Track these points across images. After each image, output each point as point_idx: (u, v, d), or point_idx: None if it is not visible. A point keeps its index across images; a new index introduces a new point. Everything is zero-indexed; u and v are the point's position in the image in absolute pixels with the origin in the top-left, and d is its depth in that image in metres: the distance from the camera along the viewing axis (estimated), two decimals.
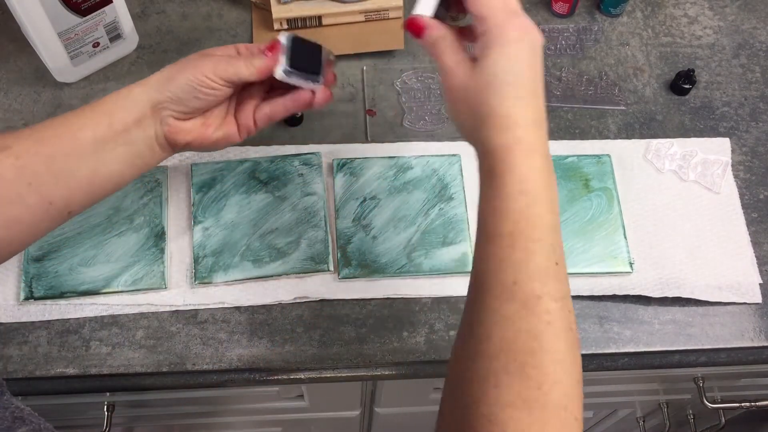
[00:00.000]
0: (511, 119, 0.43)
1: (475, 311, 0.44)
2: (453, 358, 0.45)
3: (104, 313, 0.62)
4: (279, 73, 0.53)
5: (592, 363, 0.64)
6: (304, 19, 0.75)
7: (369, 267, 0.64)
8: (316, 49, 0.56)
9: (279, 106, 0.56)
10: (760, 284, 0.66)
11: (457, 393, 0.43)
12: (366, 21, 0.77)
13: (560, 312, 0.42)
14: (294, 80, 0.54)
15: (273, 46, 0.54)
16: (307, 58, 0.55)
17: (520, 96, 0.43)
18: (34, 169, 0.48)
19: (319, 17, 0.76)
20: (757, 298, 0.65)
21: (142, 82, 0.53)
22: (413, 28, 0.48)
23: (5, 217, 0.48)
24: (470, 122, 0.45)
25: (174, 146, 0.54)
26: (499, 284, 0.42)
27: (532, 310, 0.42)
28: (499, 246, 0.43)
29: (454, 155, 0.70)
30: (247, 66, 0.53)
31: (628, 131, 0.73)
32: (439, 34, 0.47)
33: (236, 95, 0.56)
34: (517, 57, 0.44)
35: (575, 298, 0.64)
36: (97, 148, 0.51)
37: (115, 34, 0.72)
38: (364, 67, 0.75)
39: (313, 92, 0.56)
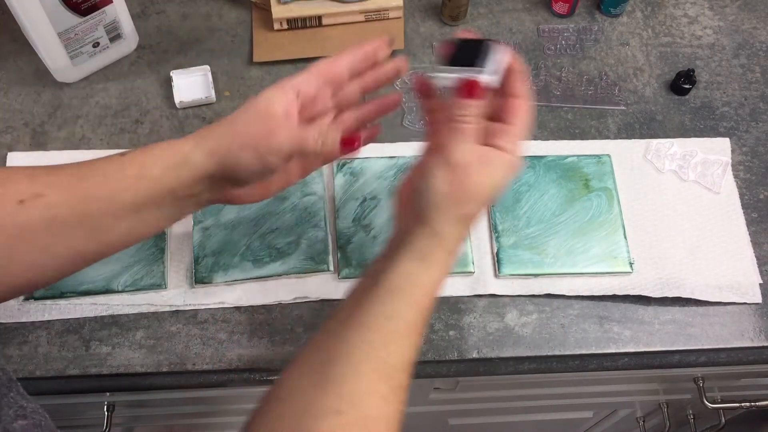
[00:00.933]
0: (449, 211, 0.47)
1: (344, 377, 0.43)
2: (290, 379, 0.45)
3: (104, 313, 0.62)
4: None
5: (592, 363, 0.64)
6: (304, 19, 0.75)
7: None
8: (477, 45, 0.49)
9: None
10: (760, 284, 0.66)
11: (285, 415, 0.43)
12: (366, 21, 0.77)
13: (403, 394, 0.45)
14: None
15: (350, 141, 0.52)
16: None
17: (467, 223, 0.48)
18: (66, 223, 0.45)
19: (319, 17, 0.76)
20: (757, 298, 0.65)
21: (197, 143, 0.47)
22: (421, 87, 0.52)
23: (30, 263, 0.46)
24: (409, 220, 0.48)
25: (221, 202, 0.52)
26: (373, 355, 0.43)
27: (397, 397, 0.44)
28: (383, 300, 0.45)
29: None
30: (317, 147, 0.50)
31: (628, 131, 0.73)
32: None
33: None
34: (493, 191, 0.47)
35: (575, 298, 0.65)
36: (139, 210, 0.47)
37: (115, 34, 0.72)
38: None
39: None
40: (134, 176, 0.47)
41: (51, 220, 0.45)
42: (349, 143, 0.52)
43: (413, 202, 0.48)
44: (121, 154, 0.48)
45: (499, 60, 0.48)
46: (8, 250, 0.44)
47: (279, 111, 0.47)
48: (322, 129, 0.50)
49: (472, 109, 0.47)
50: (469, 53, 0.48)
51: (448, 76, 0.48)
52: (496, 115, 0.48)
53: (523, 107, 0.48)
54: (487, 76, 0.47)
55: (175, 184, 0.47)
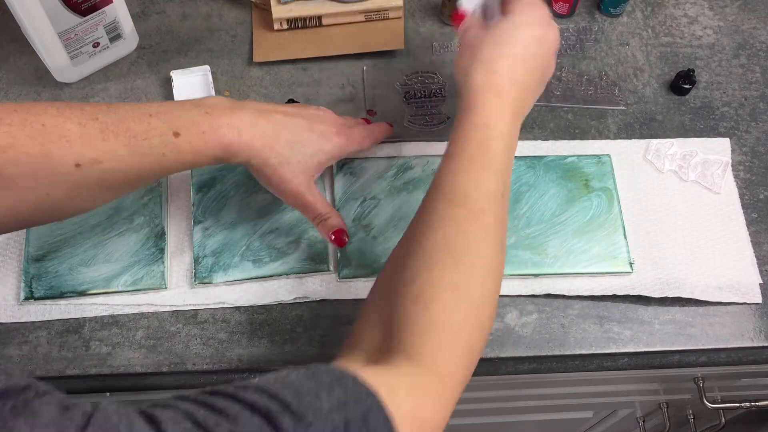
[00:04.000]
0: (498, 69, 0.52)
1: (422, 215, 0.50)
2: (390, 258, 0.52)
3: (104, 313, 0.62)
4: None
5: (592, 363, 0.64)
6: (304, 19, 0.75)
7: (369, 267, 0.64)
8: None
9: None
10: (760, 284, 0.66)
11: (392, 277, 0.49)
12: (366, 21, 0.77)
13: (497, 229, 0.49)
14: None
15: (339, 238, 0.60)
16: None
17: (514, 58, 0.53)
18: (118, 184, 0.51)
19: (319, 17, 0.76)
20: (757, 298, 0.65)
21: (237, 153, 0.54)
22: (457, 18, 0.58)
23: (81, 207, 0.53)
24: (466, 62, 0.54)
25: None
26: (452, 192, 0.49)
27: (478, 219, 0.48)
28: (459, 163, 0.50)
29: None
30: (315, 222, 0.59)
31: (628, 131, 0.73)
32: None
33: None
34: (530, 36, 0.54)
35: (575, 298, 0.65)
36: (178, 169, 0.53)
37: (115, 34, 0.72)
38: (365, 67, 0.75)
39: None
40: (189, 162, 0.52)
41: (105, 180, 0.50)
42: (338, 240, 0.61)
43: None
44: (176, 133, 0.51)
45: None
46: (64, 201, 0.49)
47: (318, 163, 0.59)
48: (327, 211, 0.60)
49: None
50: None
51: None
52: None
53: None
54: None
55: (218, 160, 0.54)
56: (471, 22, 0.56)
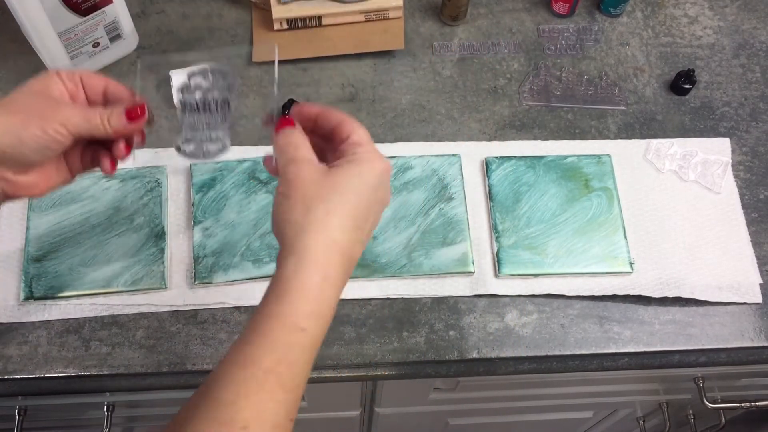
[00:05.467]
0: (334, 236, 0.43)
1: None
2: None
3: (104, 313, 0.62)
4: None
5: (592, 363, 0.64)
6: (303, 19, 0.75)
7: (369, 267, 0.64)
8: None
9: (105, 156, 0.50)
10: (760, 284, 0.66)
11: None
12: (366, 21, 0.77)
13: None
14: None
15: (134, 114, 0.48)
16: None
17: (351, 218, 0.44)
18: None
19: (319, 17, 0.76)
20: (757, 298, 0.65)
21: None
22: (285, 124, 0.48)
23: None
24: (299, 215, 0.43)
25: (7, 199, 0.48)
26: (219, 415, 0.39)
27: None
28: (250, 374, 0.40)
29: (454, 155, 0.70)
30: (104, 126, 0.47)
31: (628, 131, 0.73)
32: (299, 130, 0.47)
33: None
34: (368, 186, 0.45)
35: (575, 298, 0.65)
36: None
37: (115, 34, 0.72)
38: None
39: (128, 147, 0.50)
40: None
41: None
42: (134, 116, 0.48)
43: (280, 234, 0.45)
44: None
45: None
46: None
47: (56, 94, 0.47)
48: (107, 109, 0.48)
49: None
50: None
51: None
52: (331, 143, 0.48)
53: (348, 122, 0.47)
54: None
55: None
56: (302, 156, 0.45)
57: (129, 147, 0.50)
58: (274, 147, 0.47)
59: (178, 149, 0.51)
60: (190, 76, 0.51)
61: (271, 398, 0.40)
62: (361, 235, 0.45)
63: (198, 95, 0.51)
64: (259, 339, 0.41)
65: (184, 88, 0.51)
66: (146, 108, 0.48)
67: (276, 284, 0.42)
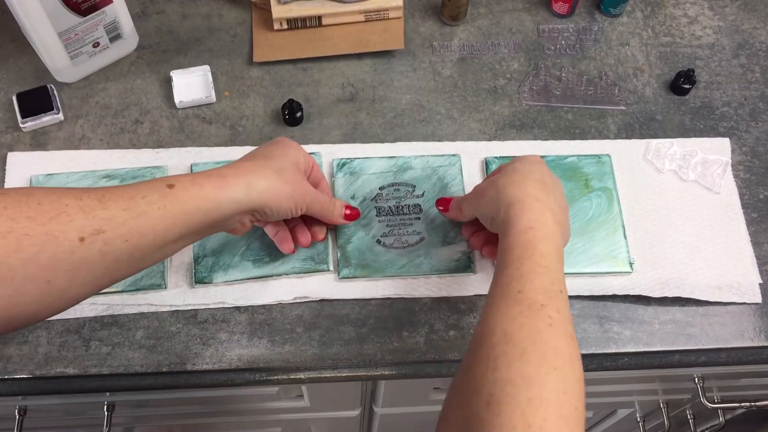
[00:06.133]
0: (527, 182, 0.55)
1: (482, 320, 0.48)
2: (461, 367, 0.48)
3: (104, 313, 0.62)
4: None
5: (592, 363, 0.64)
6: (303, 19, 0.75)
7: (369, 267, 0.64)
8: None
9: (303, 233, 0.63)
10: (760, 284, 0.66)
11: (461, 386, 0.45)
12: (366, 21, 0.77)
13: (562, 321, 0.47)
14: None
15: (352, 216, 0.64)
16: None
17: (539, 175, 0.57)
18: (119, 257, 0.47)
19: (319, 17, 0.76)
20: (757, 298, 0.65)
21: (249, 184, 0.52)
22: (442, 203, 0.65)
23: (81, 291, 0.47)
24: (493, 190, 0.56)
25: (234, 232, 0.57)
26: (506, 295, 0.48)
27: (536, 312, 0.46)
28: (509, 267, 0.50)
29: (454, 155, 0.70)
30: (334, 216, 0.62)
31: (628, 131, 0.73)
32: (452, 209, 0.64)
33: None
34: (535, 166, 0.58)
35: (575, 298, 0.65)
36: (181, 239, 0.50)
37: (115, 34, 0.72)
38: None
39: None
40: (191, 211, 0.50)
41: (106, 254, 0.46)
42: (351, 215, 0.64)
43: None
44: (170, 185, 0.49)
45: None
46: (64, 289, 0.45)
47: (303, 169, 0.58)
48: (333, 201, 0.62)
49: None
50: None
51: None
52: None
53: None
54: None
55: (220, 217, 0.52)
56: (466, 197, 0.61)
57: (357, 214, 0.64)
58: (462, 218, 0.63)
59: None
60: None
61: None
62: (548, 183, 0.57)
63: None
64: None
65: None
66: (359, 214, 0.65)
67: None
